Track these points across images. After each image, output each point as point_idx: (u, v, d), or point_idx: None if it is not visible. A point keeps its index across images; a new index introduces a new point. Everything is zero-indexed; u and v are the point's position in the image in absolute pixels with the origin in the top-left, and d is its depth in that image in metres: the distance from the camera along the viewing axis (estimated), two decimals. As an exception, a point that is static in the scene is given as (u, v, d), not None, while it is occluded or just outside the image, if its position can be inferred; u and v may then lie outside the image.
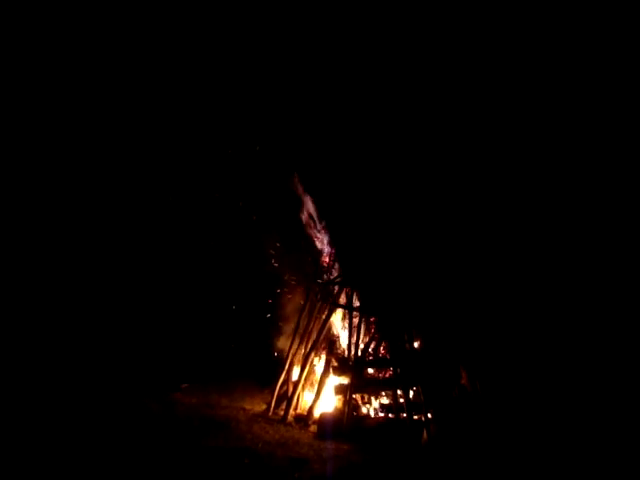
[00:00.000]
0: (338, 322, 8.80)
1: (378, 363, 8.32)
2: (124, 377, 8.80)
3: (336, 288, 8.72)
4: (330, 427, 7.63)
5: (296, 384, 8.41)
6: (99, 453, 6.14)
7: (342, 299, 8.70)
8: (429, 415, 7.50)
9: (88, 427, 6.77)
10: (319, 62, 9.94)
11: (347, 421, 7.67)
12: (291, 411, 8.18)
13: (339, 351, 8.51)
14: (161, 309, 10.55)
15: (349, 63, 9.80)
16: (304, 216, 9.34)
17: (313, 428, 7.85)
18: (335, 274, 8.95)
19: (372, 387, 8.16)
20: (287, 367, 8.64)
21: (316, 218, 9.24)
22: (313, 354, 8.57)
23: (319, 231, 9.21)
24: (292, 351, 8.70)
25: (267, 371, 9.23)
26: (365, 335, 8.42)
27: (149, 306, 10.54)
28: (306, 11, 9.96)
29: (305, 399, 8.47)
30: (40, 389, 7.72)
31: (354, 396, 7.99)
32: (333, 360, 8.37)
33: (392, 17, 9.70)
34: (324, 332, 8.60)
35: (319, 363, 8.58)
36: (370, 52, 9.74)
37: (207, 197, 11.19)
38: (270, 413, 8.30)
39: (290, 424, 7.97)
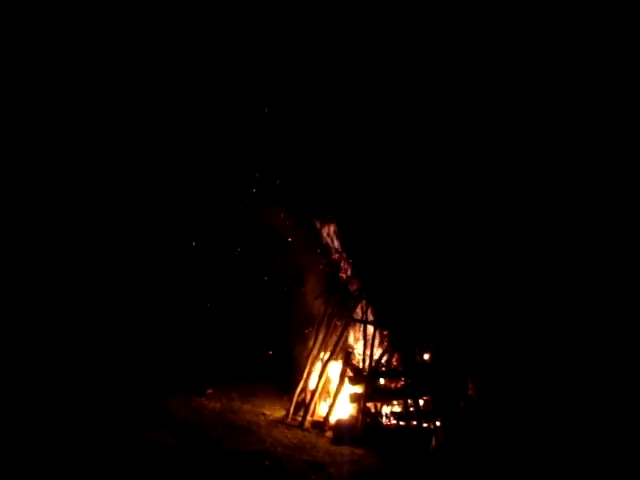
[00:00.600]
0: (354, 334, 9.22)
1: (390, 374, 8.76)
2: (151, 382, 9.11)
3: (352, 302, 9.17)
4: (345, 433, 8.03)
5: (313, 392, 8.84)
6: (125, 455, 6.44)
7: (358, 313, 9.16)
8: (438, 423, 7.91)
9: (114, 431, 7.07)
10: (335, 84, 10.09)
11: (361, 428, 8.08)
12: (308, 417, 8.61)
13: (354, 362, 8.91)
14: (187, 316, 10.86)
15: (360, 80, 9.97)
16: (323, 234, 9.76)
17: (329, 434, 8.28)
18: (351, 289, 9.36)
19: (385, 396, 8.59)
20: (305, 376, 9.04)
21: (334, 236, 9.62)
22: (330, 364, 9.02)
23: (337, 248, 9.62)
24: (310, 361, 9.12)
25: (286, 379, 9.64)
26: (379, 347, 8.82)
27: (175, 313, 10.84)
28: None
29: (321, 406, 8.90)
30: (60, 393, 7.96)
31: (368, 404, 8.41)
32: (348, 370, 8.78)
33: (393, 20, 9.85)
34: (340, 343, 9.02)
35: (335, 373, 8.98)
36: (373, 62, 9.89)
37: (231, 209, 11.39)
38: (289, 419, 8.71)
39: (307, 429, 8.40)
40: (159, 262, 11.27)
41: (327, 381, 9.03)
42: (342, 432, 8.07)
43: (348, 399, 8.57)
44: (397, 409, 8.55)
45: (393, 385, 8.75)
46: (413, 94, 9.60)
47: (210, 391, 9.37)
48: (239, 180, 11.09)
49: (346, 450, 7.67)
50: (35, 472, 5.73)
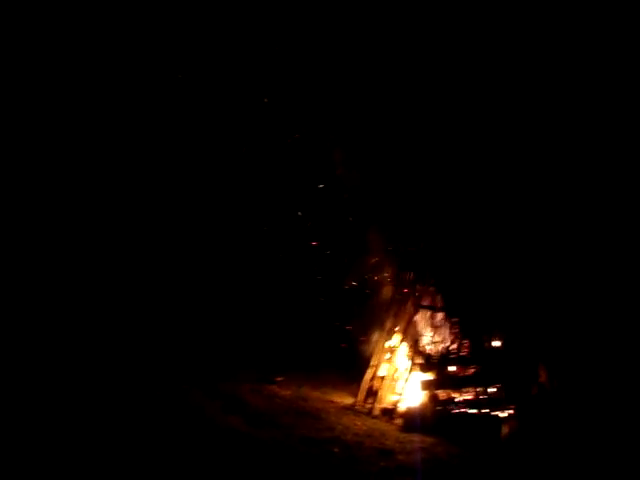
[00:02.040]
0: (423, 321, 9.15)
1: (460, 361, 8.63)
2: (223, 371, 9.32)
3: (421, 289, 9.12)
4: (415, 421, 8.01)
5: (382, 379, 8.84)
6: (199, 441, 6.61)
7: (427, 300, 9.09)
8: (509, 411, 7.84)
9: (188, 419, 7.26)
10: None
11: (431, 415, 8.03)
12: (377, 405, 8.60)
13: (423, 349, 8.87)
14: (257, 306, 11.00)
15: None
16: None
17: (398, 421, 8.25)
18: (420, 276, 9.28)
19: (455, 384, 8.47)
20: (374, 363, 9.03)
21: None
22: (399, 351, 9.00)
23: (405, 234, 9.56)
24: (379, 348, 9.11)
25: (354, 367, 9.62)
26: (448, 334, 8.74)
27: (245, 303, 11.01)
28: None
29: (391, 394, 8.86)
30: (137, 380, 8.29)
31: (438, 392, 8.33)
32: (418, 357, 8.74)
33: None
34: (409, 331, 8.98)
35: (404, 360, 8.94)
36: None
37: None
38: (358, 406, 8.73)
39: (377, 417, 8.41)
40: (242, 253, 11.41)
41: (396, 368, 8.99)
42: (412, 420, 8.05)
43: (418, 386, 8.51)
44: (468, 397, 8.43)
45: (463, 372, 8.64)
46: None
47: (280, 379, 9.47)
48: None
49: (416, 438, 7.63)
50: (118, 457, 5.93)
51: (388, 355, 9.02)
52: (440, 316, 8.77)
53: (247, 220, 11.34)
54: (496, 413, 7.91)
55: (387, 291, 9.61)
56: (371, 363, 9.04)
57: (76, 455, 5.83)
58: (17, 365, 7.86)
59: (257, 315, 10.75)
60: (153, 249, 11.05)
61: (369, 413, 8.51)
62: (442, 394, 8.44)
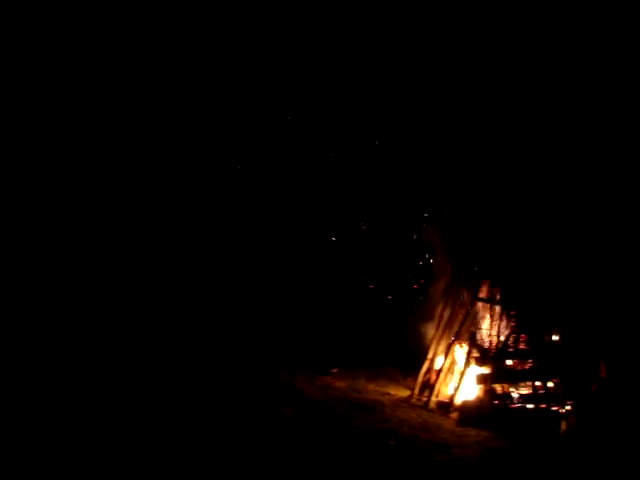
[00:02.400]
0: (479, 315, 9.05)
1: (518, 355, 8.51)
2: (278, 361, 9.46)
3: (478, 282, 9.02)
4: (471, 414, 7.97)
5: (439, 372, 8.79)
6: (255, 430, 6.73)
7: (484, 292, 8.99)
8: (568, 407, 7.70)
9: (243, 408, 7.42)
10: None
11: (488, 409, 7.97)
12: (433, 398, 8.57)
13: (480, 342, 8.77)
14: (315, 299, 11.12)
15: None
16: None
17: (454, 415, 8.19)
18: (478, 268, 9.19)
19: (512, 378, 8.37)
20: (431, 356, 9.01)
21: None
22: (455, 344, 8.92)
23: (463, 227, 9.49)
24: (435, 341, 9.07)
25: (410, 360, 9.63)
26: (505, 328, 8.60)
27: (305, 296, 11.16)
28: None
29: (447, 387, 8.82)
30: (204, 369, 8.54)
31: (494, 386, 8.24)
32: (474, 351, 8.63)
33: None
34: (466, 324, 8.89)
35: (461, 353, 8.87)
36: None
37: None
38: (413, 399, 8.74)
39: (432, 410, 8.38)
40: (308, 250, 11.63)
41: (453, 362, 8.92)
42: (468, 413, 8.00)
43: (474, 380, 8.43)
44: (525, 391, 8.32)
45: (521, 367, 8.52)
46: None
47: (335, 370, 9.55)
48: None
49: (472, 432, 7.59)
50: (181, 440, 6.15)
51: (444, 348, 8.95)
52: (498, 309, 8.64)
53: (304, 221, 11.47)
54: (555, 408, 7.79)
55: (444, 284, 9.53)
56: (427, 356, 9.02)
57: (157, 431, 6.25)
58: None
59: (316, 309, 10.83)
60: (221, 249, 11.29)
61: (425, 406, 8.50)
62: (499, 388, 8.36)
